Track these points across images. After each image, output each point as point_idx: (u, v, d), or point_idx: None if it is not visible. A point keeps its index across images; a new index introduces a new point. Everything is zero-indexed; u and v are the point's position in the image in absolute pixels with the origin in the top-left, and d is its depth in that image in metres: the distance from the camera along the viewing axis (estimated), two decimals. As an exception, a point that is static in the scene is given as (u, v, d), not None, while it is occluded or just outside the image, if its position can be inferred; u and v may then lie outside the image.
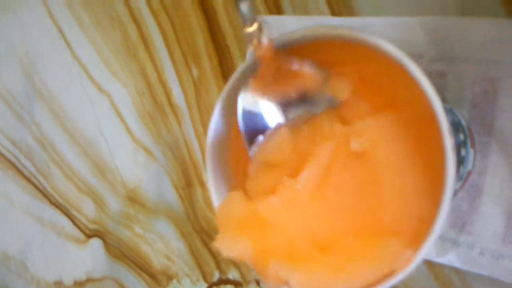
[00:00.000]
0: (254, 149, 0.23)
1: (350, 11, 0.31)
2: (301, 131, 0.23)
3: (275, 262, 0.21)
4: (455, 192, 0.25)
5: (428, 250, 0.19)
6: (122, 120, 0.43)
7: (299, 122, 0.23)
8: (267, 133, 0.23)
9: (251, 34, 0.20)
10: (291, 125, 0.23)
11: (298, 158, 0.23)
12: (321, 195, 0.22)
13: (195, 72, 0.39)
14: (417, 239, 0.20)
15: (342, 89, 0.21)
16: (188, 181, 0.41)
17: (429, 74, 0.19)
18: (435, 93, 0.18)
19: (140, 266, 0.45)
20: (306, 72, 0.22)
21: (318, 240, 0.22)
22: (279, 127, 0.23)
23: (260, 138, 0.23)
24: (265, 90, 0.23)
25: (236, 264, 0.40)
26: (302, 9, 0.33)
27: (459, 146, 0.23)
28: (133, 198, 0.44)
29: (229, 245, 0.22)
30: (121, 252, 0.46)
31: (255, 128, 0.23)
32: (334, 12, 0.32)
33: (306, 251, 0.22)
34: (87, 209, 0.48)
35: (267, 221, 0.22)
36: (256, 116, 0.23)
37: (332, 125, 0.23)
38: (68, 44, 0.45)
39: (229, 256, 0.22)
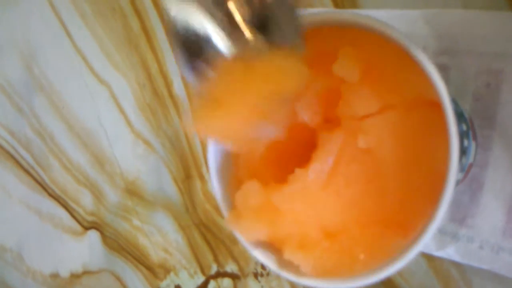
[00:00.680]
0: (196, 78, 0.19)
1: (353, 4, 0.31)
2: (256, 67, 0.18)
3: (289, 249, 0.22)
4: (456, 184, 0.25)
5: (426, 243, 0.19)
6: (122, 111, 0.43)
7: (254, 52, 0.18)
8: (211, 59, 0.18)
9: None
10: (244, 56, 0.18)
11: (251, 99, 0.18)
12: (331, 185, 0.23)
13: (196, 63, 0.38)
14: (417, 232, 0.20)
15: (353, 70, 0.21)
16: (187, 174, 0.41)
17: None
18: (439, 76, 0.18)
19: (138, 258, 0.45)
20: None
21: (327, 229, 0.23)
22: (228, 57, 0.18)
23: (200, 63, 0.18)
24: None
25: (234, 257, 0.40)
26: (306, 1, 0.32)
27: (461, 135, 0.23)
28: (131, 190, 0.44)
29: (248, 230, 0.23)
30: (118, 245, 0.46)
31: (194, 47, 0.18)
32: (337, 5, 0.32)
33: (316, 239, 0.22)
34: (85, 201, 0.48)
35: (280, 209, 0.23)
36: (196, 32, 0.18)
37: (297, 66, 0.18)
38: (69, 35, 0.45)
39: (246, 240, 0.23)
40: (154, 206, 0.43)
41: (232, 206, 0.24)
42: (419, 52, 0.19)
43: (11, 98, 0.51)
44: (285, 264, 0.22)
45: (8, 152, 0.52)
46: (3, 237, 0.56)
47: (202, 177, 0.40)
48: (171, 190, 0.42)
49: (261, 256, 0.23)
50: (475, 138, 0.26)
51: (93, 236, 0.48)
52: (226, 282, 0.40)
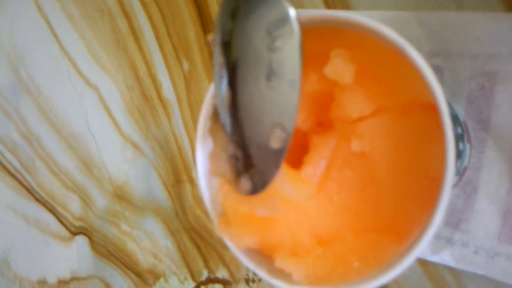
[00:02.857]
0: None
1: (344, 5, 0.30)
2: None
3: (281, 257, 0.21)
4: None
5: (423, 249, 0.19)
6: (110, 114, 0.42)
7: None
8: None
9: None
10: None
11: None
12: (323, 190, 0.22)
13: (185, 65, 0.38)
14: (412, 238, 0.20)
15: (346, 72, 0.21)
16: (177, 178, 0.40)
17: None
18: (435, 79, 0.18)
19: (127, 264, 0.44)
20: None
21: (319, 235, 0.22)
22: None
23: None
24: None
25: (225, 263, 0.39)
26: (297, 3, 0.32)
27: (457, 139, 0.22)
28: (120, 195, 0.43)
29: (238, 238, 0.22)
30: (107, 250, 0.45)
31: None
32: (329, 6, 0.31)
33: (308, 246, 0.22)
34: (73, 206, 0.47)
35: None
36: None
37: None
38: (56, 37, 0.44)
39: (237, 247, 0.22)
40: (143, 211, 0.42)
41: (221, 212, 0.24)
42: (414, 53, 0.18)
43: (-3, 101, 0.49)
44: (277, 272, 0.22)
45: (-6, 156, 0.51)
46: (-11, 243, 0.55)
47: (192, 181, 0.39)
48: (161, 194, 0.41)
49: (251, 264, 0.22)
50: (469, 141, 0.25)
51: (81, 241, 0.47)
52: (217, 288, 0.40)
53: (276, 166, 0.19)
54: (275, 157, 0.19)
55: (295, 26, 0.18)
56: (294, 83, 0.18)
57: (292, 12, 0.18)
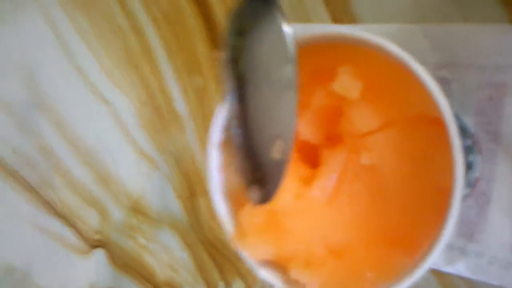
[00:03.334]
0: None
1: (351, 18, 0.31)
2: None
3: (296, 268, 0.22)
4: (462, 199, 0.25)
5: (434, 260, 0.19)
6: (125, 130, 0.43)
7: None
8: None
9: None
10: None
11: None
12: (335, 203, 0.23)
13: (197, 80, 0.39)
14: (423, 251, 0.20)
15: (354, 87, 0.21)
16: (191, 191, 0.41)
17: (433, 81, 0.19)
18: (440, 91, 0.18)
19: (144, 277, 0.45)
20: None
21: (332, 246, 0.23)
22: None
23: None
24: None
25: (241, 275, 0.39)
26: (303, 17, 0.32)
27: (466, 150, 0.22)
28: (136, 209, 0.44)
29: (254, 249, 0.23)
30: (125, 263, 0.46)
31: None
32: (336, 19, 0.31)
33: (322, 256, 0.22)
34: (91, 220, 0.48)
35: (286, 227, 0.23)
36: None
37: None
38: (69, 52, 0.45)
39: (253, 258, 0.23)
40: (160, 224, 0.43)
41: (236, 224, 0.24)
42: (419, 68, 0.19)
43: (14, 118, 0.51)
44: (291, 282, 0.22)
45: (14, 172, 0.52)
46: (11, 257, 0.56)
47: (206, 195, 0.40)
48: (176, 207, 0.42)
49: (267, 275, 0.22)
50: (480, 152, 0.26)
51: (100, 254, 0.48)
52: (233, 300, 0.40)
53: (280, 176, 0.20)
54: (279, 168, 0.20)
55: (290, 47, 0.19)
56: (291, 96, 0.19)
57: (287, 30, 0.19)
